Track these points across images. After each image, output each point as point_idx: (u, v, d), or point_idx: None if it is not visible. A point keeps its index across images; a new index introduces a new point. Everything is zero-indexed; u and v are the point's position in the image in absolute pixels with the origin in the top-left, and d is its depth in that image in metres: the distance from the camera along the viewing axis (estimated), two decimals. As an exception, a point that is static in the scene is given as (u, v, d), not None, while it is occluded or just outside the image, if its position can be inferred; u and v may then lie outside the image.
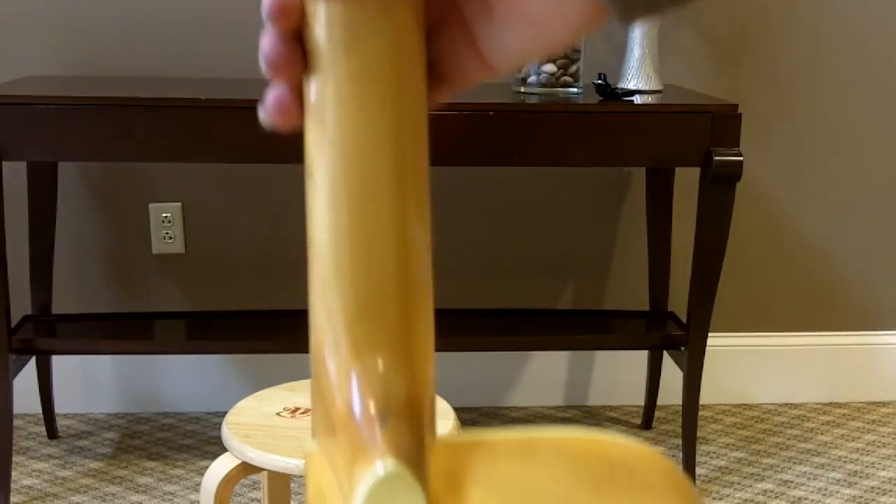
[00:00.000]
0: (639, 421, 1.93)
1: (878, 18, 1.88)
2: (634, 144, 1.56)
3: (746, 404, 2.01)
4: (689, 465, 1.70)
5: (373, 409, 0.49)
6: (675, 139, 1.56)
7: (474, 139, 1.54)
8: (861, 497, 1.68)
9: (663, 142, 1.56)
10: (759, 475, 1.75)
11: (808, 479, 1.74)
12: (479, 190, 1.88)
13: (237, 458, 1.09)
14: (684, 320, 1.71)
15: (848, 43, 1.88)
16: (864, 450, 1.84)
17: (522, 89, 1.65)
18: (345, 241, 0.50)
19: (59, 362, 1.84)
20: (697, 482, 1.72)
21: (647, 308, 1.89)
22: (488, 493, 0.51)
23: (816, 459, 1.80)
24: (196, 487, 1.65)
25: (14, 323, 1.70)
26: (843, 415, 1.97)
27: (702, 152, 1.55)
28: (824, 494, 1.68)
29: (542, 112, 1.55)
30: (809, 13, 1.86)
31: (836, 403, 2.02)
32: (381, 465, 0.46)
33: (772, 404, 2.01)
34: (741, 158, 1.54)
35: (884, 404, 2.02)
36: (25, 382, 1.80)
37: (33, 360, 1.77)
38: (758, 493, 1.69)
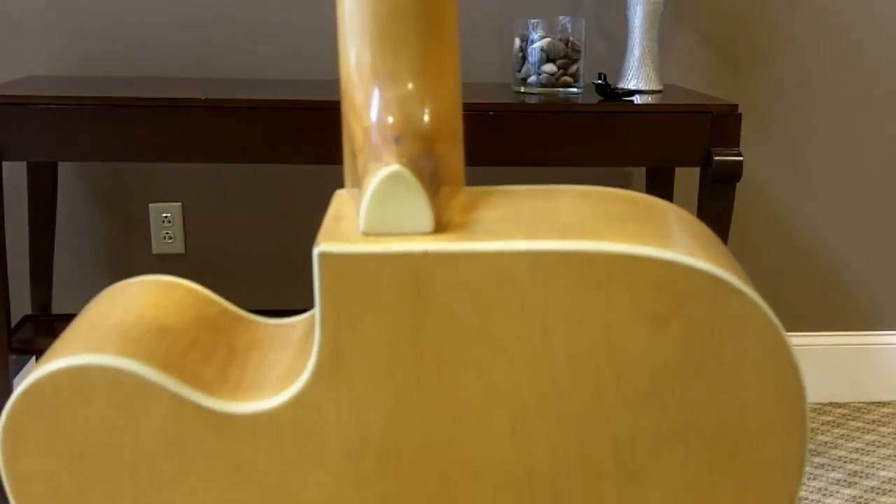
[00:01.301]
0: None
1: (879, 18, 1.88)
2: (634, 144, 1.56)
3: (746, 404, 2.00)
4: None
5: (389, 131, 0.53)
6: (675, 139, 1.56)
7: (474, 139, 1.54)
8: (861, 497, 1.68)
9: (663, 142, 1.56)
10: (759, 475, 1.75)
11: (808, 479, 1.74)
12: (479, 190, 1.88)
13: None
14: (684, 320, 1.71)
15: (848, 43, 1.88)
16: (864, 450, 1.84)
17: (522, 89, 1.65)
18: None
19: (59, 362, 1.84)
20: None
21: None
22: (501, 215, 0.55)
23: (816, 459, 1.80)
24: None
25: (14, 323, 1.70)
26: (843, 415, 1.97)
27: (702, 152, 1.55)
28: (824, 494, 1.69)
29: (542, 112, 1.55)
30: (809, 13, 1.86)
31: (836, 403, 2.02)
32: (386, 169, 0.51)
33: (772, 404, 2.01)
34: (741, 158, 1.54)
35: (884, 404, 2.02)
36: (25, 382, 1.80)
37: (33, 360, 1.77)
38: (758, 493, 1.69)
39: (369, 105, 0.56)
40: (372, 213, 0.52)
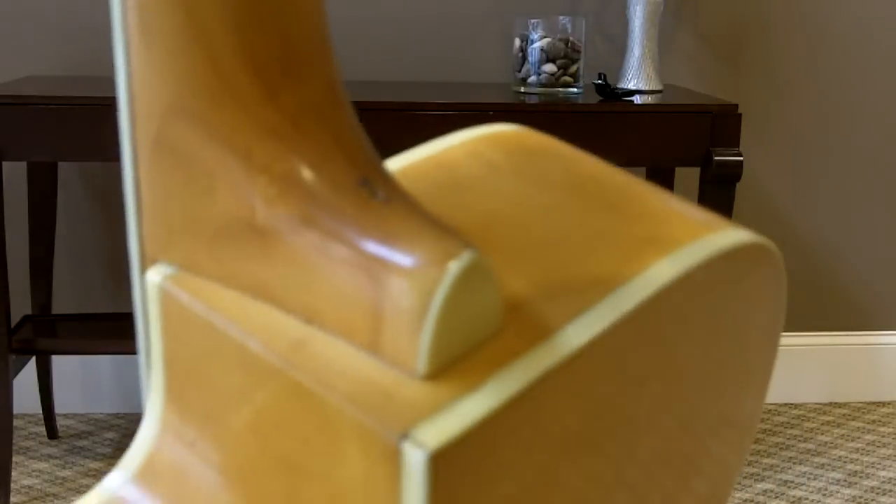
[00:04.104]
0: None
1: (879, 18, 1.88)
2: (634, 144, 1.56)
3: (746, 404, 2.01)
4: (689, 465, 1.70)
5: (341, 171, 0.37)
6: (675, 139, 1.56)
7: (474, 139, 1.54)
8: (861, 497, 1.68)
9: (663, 142, 1.56)
10: (759, 475, 1.75)
11: (808, 479, 1.73)
12: (479, 190, 1.88)
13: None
14: (684, 320, 1.71)
15: (848, 43, 1.88)
16: (864, 450, 1.84)
17: (522, 89, 1.65)
18: None
19: (59, 362, 1.84)
20: (697, 482, 1.72)
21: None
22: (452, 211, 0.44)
23: (816, 459, 1.80)
24: (196, 487, 1.65)
25: (14, 323, 1.70)
26: (843, 415, 1.97)
27: (702, 152, 1.55)
28: (824, 494, 1.68)
29: (542, 112, 1.55)
30: (809, 13, 1.86)
31: (836, 403, 2.02)
32: (455, 264, 0.35)
33: (772, 404, 2.01)
34: (741, 158, 1.54)
35: (884, 404, 2.02)
36: (25, 382, 1.80)
37: (33, 360, 1.77)
38: (758, 493, 1.69)
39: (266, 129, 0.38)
40: (442, 337, 0.35)
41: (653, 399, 0.46)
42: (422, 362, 0.35)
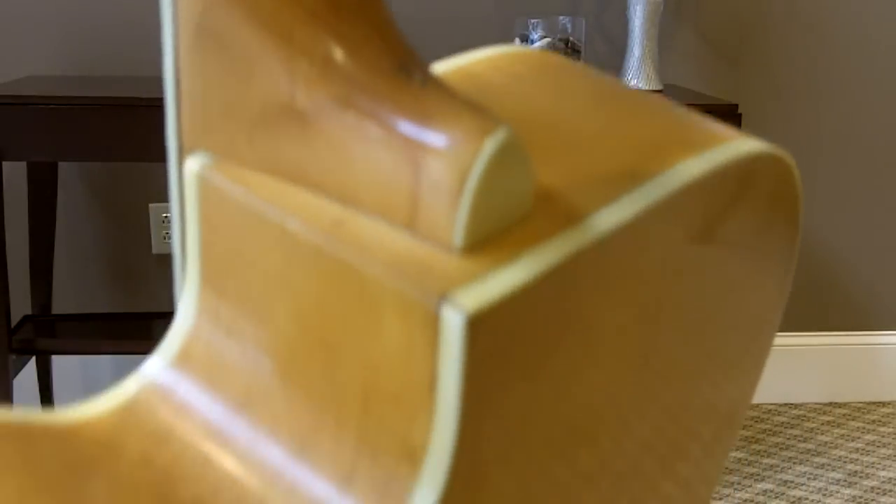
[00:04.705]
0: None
1: (879, 18, 1.88)
2: (634, 144, 1.56)
3: (746, 404, 2.00)
4: (689, 465, 1.70)
5: (383, 57, 0.37)
6: (675, 139, 1.56)
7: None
8: (861, 497, 1.68)
9: (663, 142, 1.56)
10: (759, 475, 1.75)
11: (808, 479, 1.73)
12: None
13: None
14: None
15: (848, 43, 1.88)
16: (864, 450, 1.84)
17: (522, 89, 1.65)
18: None
19: (59, 362, 1.84)
20: (697, 482, 1.72)
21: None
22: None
23: (816, 459, 1.80)
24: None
25: (14, 323, 1.70)
26: (843, 415, 1.97)
27: (702, 152, 1.55)
28: (824, 494, 1.68)
29: (542, 112, 1.54)
30: (809, 13, 1.86)
31: (836, 403, 2.02)
32: (491, 140, 0.35)
33: (772, 404, 2.01)
34: (741, 158, 1.54)
35: (884, 404, 2.02)
36: (25, 382, 1.80)
37: (33, 360, 1.77)
38: (758, 493, 1.69)
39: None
40: (478, 212, 0.36)
41: (659, 350, 0.46)
42: (458, 236, 0.36)
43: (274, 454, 0.39)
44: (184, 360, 0.44)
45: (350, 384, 0.38)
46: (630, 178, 0.43)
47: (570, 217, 0.39)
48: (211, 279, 0.43)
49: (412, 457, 0.36)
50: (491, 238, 0.37)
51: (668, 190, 0.43)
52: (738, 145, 0.48)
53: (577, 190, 0.41)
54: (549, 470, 0.42)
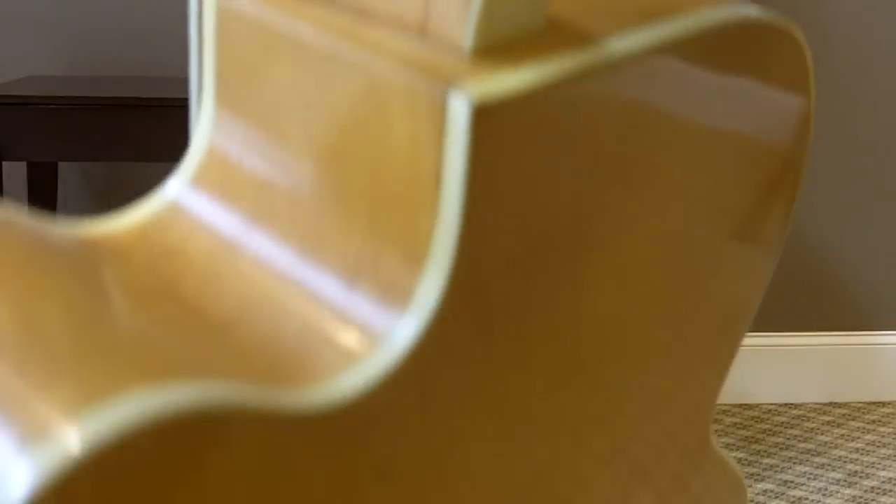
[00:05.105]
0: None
1: (879, 18, 1.88)
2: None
3: (746, 404, 2.01)
4: (689, 465, 1.70)
5: None
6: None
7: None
8: (861, 497, 1.68)
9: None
10: (759, 475, 1.75)
11: (808, 479, 1.73)
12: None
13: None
14: (684, 320, 1.71)
15: (847, 43, 1.88)
16: (864, 450, 1.84)
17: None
18: None
19: (59, 362, 1.84)
20: (697, 482, 1.71)
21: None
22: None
23: (816, 459, 1.80)
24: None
25: (14, 323, 1.70)
26: (843, 415, 1.97)
27: (702, 152, 1.55)
28: (824, 494, 1.68)
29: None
30: (809, 13, 1.86)
31: (836, 403, 2.02)
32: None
33: (771, 404, 2.01)
34: (741, 158, 1.54)
35: (884, 404, 2.02)
36: (25, 382, 1.80)
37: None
38: (758, 494, 1.69)
39: None
40: (489, 14, 0.37)
41: (639, 233, 0.46)
42: (468, 39, 0.37)
43: (283, 258, 0.41)
44: (201, 178, 0.46)
45: (358, 186, 0.39)
46: (647, 16, 0.44)
47: (582, 37, 0.40)
48: (226, 99, 0.45)
49: (416, 254, 0.37)
50: (501, 46, 0.38)
51: (683, 31, 0.43)
52: (756, 10, 0.49)
53: (591, 17, 0.42)
54: (546, 308, 0.42)
